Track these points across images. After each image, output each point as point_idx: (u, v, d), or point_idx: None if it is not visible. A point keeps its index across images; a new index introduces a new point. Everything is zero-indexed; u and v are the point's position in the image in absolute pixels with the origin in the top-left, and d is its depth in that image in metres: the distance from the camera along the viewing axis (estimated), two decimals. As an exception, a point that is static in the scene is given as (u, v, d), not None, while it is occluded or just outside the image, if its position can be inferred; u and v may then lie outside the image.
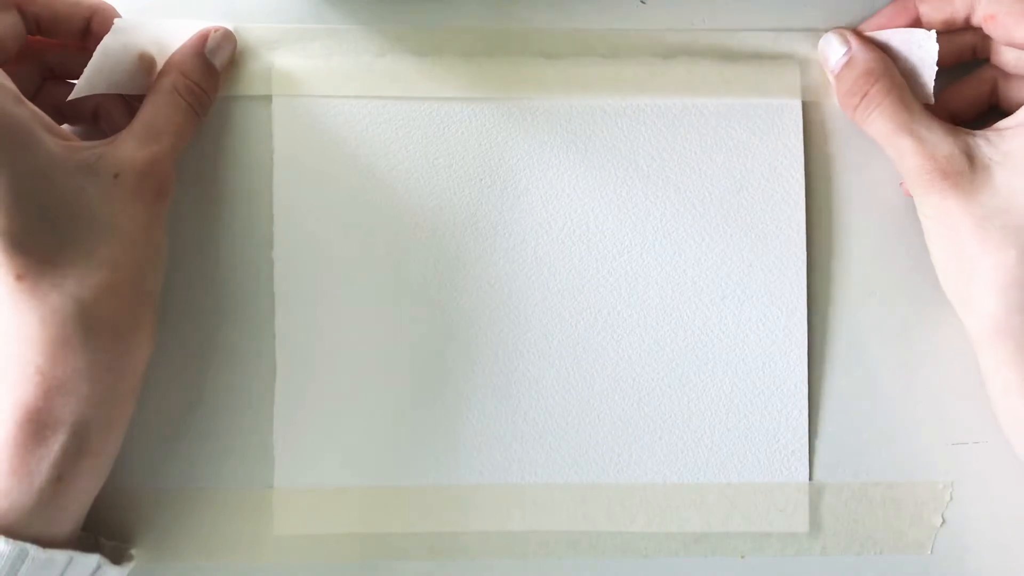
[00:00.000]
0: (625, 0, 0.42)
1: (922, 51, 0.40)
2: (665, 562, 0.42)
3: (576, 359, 0.41)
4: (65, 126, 0.41)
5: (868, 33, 0.41)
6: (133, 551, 0.40)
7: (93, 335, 0.35)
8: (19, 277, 0.34)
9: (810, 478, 0.42)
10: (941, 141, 0.38)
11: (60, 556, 0.35)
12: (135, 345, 0.36)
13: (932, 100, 0.40)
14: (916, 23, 0.40)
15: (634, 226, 0.42)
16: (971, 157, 0.38)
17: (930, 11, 0.40)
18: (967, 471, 0.42)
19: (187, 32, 0.41)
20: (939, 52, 0.39)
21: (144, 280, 0.37)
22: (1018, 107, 0.38)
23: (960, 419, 0.42)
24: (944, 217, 0.38)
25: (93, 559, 0.37)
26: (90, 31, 0.39)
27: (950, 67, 0.41)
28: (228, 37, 0.41)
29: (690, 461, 0.42)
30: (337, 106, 0.42)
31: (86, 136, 0.41)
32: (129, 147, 0.37)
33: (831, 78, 0.41)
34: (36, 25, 0.38)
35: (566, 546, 0.42)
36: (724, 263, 0.42)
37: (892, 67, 0.40)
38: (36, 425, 0.35)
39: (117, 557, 0.39)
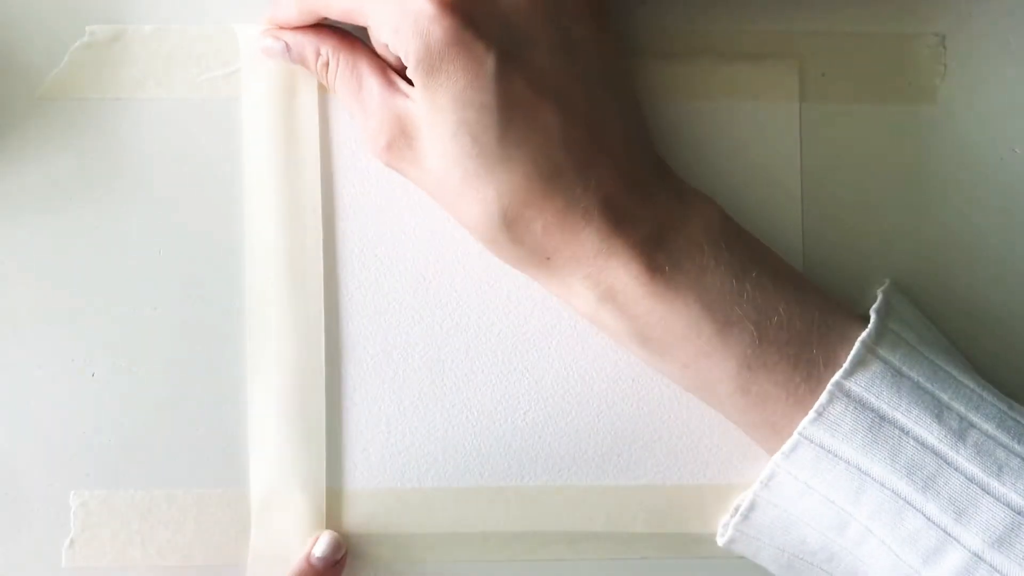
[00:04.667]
0: (625, 0, 0.42)
1: None
2: (665, 563, 0.42)
3: (576, 358, 0.41)
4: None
5: None
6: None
7: None
8: None
9: (810, 478, 0.42)
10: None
11: None
12: None
13: None
14: None
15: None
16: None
17: None
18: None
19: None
20: None
21: None
22: None
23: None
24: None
25: None
26: None
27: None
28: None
29: (690, 461, 0.42)
30: (338, 105, 0.41)
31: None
32: None
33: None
34: None
35: (566, 546, 0.42)
36: (724, 263, 0.42)
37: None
38: None
39: None
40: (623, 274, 0.36)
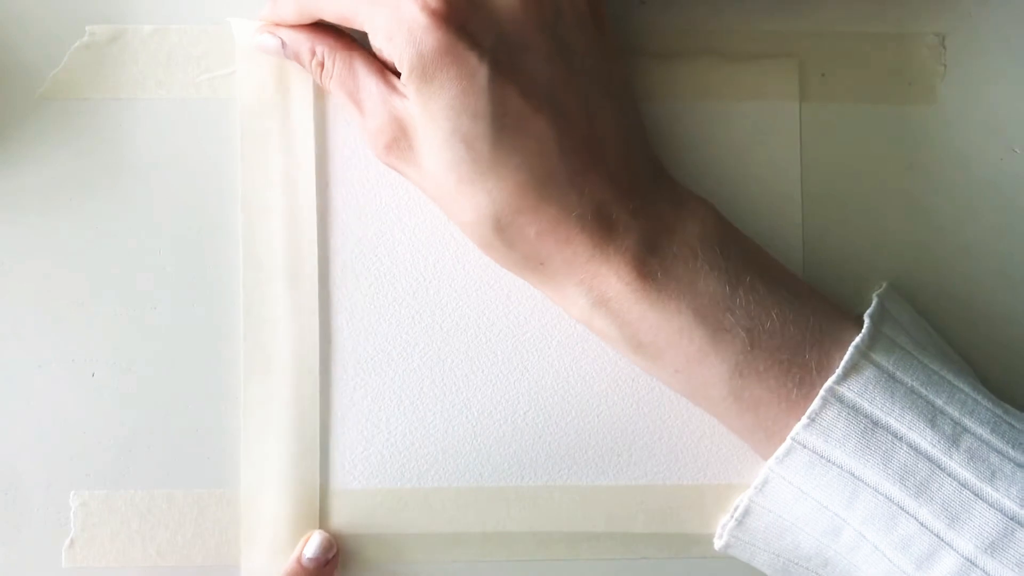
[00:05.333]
0: (625, 0, 0.42)
1: None
2: (665, 563, 0.42)
3: (576, 358, 0.41)
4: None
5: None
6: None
7: None
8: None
9: (810, 479, 0.42)
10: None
11: None
12: None
13: None
14: None
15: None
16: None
17: None
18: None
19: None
20: None
21: None
22: None
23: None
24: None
25: None
26: None
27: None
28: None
29: (690, 461, 0.42)
30: (335, 105, 0.41)
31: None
32: None
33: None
34: None
35: (566, 546, 0.42)
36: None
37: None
38: None
39: None
40: (615, 281, 0.36)
